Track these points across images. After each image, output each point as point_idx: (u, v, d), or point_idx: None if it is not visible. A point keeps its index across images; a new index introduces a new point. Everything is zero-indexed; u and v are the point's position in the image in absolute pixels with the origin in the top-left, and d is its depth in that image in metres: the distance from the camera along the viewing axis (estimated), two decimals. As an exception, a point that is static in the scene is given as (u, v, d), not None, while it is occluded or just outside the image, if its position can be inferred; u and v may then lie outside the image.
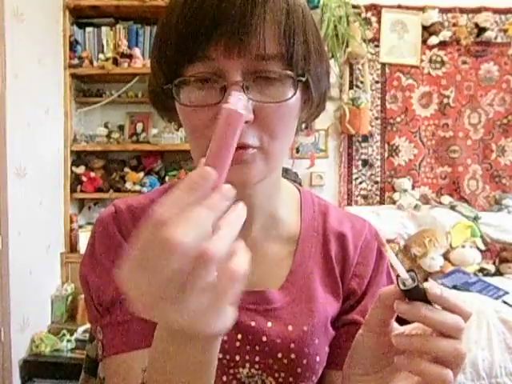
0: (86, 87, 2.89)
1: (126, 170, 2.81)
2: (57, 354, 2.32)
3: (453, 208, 2.74)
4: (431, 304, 0.42)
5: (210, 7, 0.47)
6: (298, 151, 2.91)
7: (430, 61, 2.95)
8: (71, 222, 2.72)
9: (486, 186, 2.97)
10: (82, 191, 2.73)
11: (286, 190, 0.67)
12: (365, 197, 2.98)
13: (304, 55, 0.50)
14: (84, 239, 2.64)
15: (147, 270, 0.31)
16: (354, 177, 2.98)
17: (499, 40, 2.93)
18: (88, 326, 2.23)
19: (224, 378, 0.60)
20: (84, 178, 2.72)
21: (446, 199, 2.87)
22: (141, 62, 2.72)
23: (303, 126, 0.61)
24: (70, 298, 2.57)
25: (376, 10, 2.92)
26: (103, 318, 0.59)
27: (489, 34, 2.88)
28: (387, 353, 0.47)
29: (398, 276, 0.42)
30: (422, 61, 2.94)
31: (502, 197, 2.88)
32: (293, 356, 0.60)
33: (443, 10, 2.91)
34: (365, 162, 2.98)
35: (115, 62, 2.70)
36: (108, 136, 2.82)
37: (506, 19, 2.92)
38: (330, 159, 2.97)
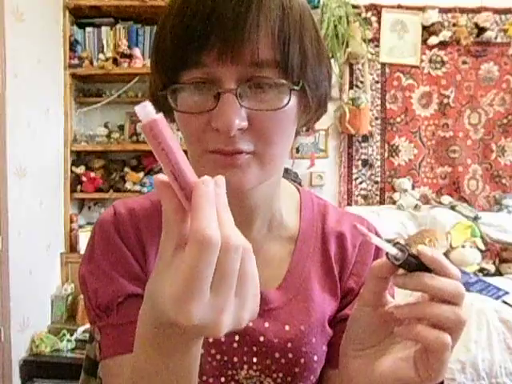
0: (86, 87, 2.89)
1: (126, 170, 2.81)
2: (57, 354, 2.32)
3: (453, 208, 2.74)
4: (428, 271, 0.43)
5: (205, 13, 0.46)
6: (298, 151, 2.92)
7: (430, 61, 2.95)
8: (71, 221, 2.72)
9: (486, 186, 2.97)
10: (81, 191, 2.73)
11: (286, 191, 0.67)
12: (365, 197, 2.98)
13: (300, 62, 0.49)
14: (84, 239, 2.64)
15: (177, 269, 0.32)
16: (354, 177, 2.98)
17: (499, 40, 2.93)
18: (88, 326, 2.23)
19: (222, 380, 0.60)
20: (84, 178, 2.72)
21: (446, 199, 2.86)
22: (141, 62, 2.72)
23: (304, 128, 0.61)
24: (70, 298, 2.57)
25: (376, 10, 2.92)
26: (101, 319, 0.59)
27: (489, 34, 2.88)
28: (382, 325, 0.48)
29: (387, 254, 0.42)
30: (421, 61, 2.94)
31: (502, 197, 2.88)
32: (290, 356, 0.60)
33: (443, 10, 2.91)
34: (365, 162, 2.99)
35: (115, 62, 2.70)
36: (108, 136, 2.82)
37: (505, 19, 2.93)
38: (330, 159, 2.97)
